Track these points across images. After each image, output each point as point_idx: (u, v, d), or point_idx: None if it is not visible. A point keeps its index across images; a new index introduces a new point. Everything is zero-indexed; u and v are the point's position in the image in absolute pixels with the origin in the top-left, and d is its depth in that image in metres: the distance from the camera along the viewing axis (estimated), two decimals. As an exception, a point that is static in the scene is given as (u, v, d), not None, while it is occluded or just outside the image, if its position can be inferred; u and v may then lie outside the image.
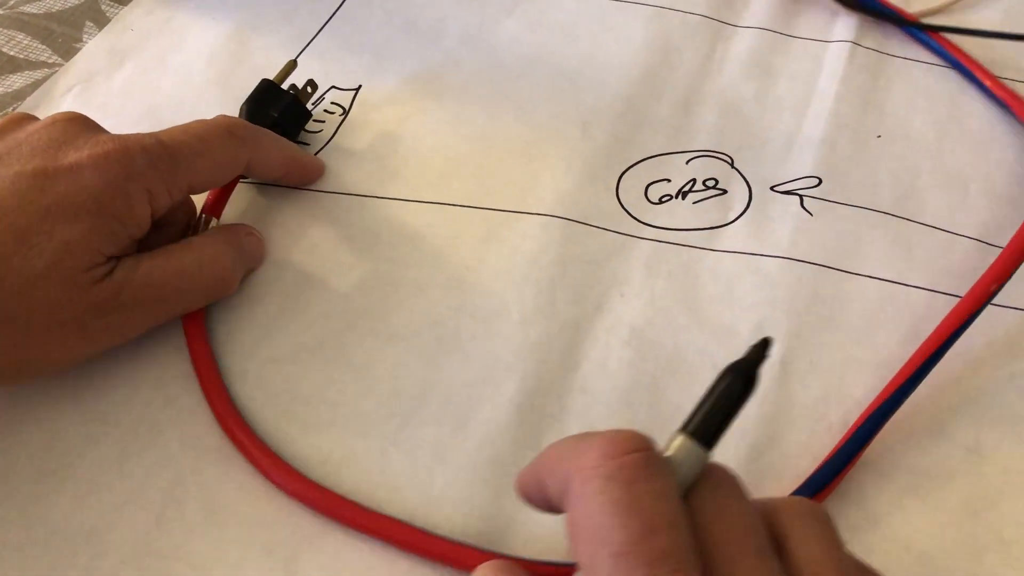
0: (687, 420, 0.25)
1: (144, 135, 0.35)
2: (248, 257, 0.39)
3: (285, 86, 0.45)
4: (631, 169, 0.44)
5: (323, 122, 0.47)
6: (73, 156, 0.33)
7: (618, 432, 0.23)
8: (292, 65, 0.46)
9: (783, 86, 0.48)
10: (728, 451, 0.35)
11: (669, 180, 0.44)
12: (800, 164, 0.44)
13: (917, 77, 0.49)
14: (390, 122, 0.46)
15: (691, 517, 0.22)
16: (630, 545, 0.20)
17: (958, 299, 0.39)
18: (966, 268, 0.40)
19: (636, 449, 0.22)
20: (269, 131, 0.41)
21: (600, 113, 0.47)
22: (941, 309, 0.39)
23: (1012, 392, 0.36)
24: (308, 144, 0.46)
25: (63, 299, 0.32)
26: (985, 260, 0.41)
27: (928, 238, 0.42)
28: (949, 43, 0.50)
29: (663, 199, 0.43)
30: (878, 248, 0.41)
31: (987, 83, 0.47)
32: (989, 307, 0.39)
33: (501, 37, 0.51)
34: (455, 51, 0.50)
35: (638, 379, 0.37)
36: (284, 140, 0.42)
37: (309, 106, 0.47)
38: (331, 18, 0.52)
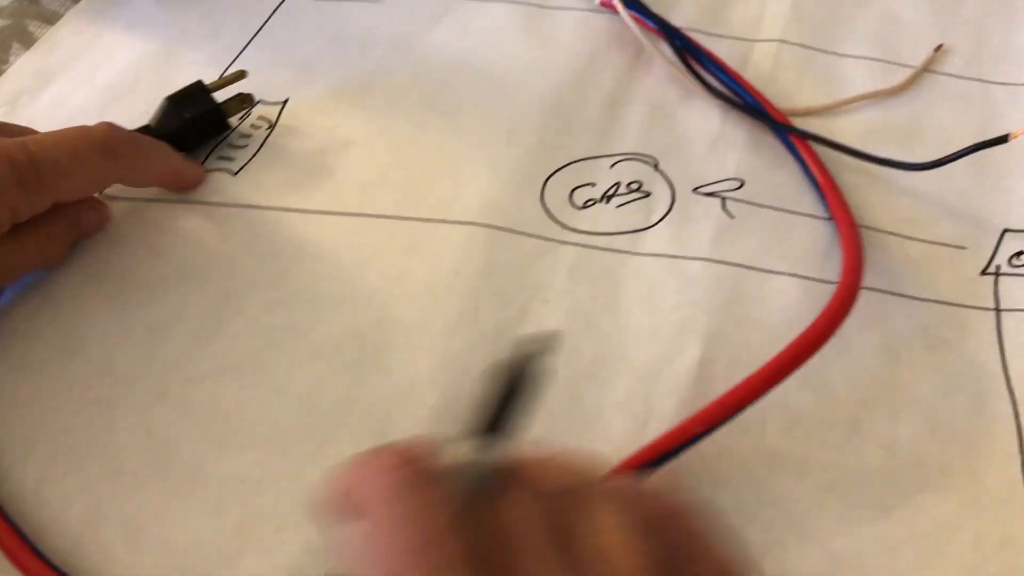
0: (467, 425, 0.25)
1: (14, 145, 0.35)
2: (85, 230, 0.40)
3: (226, 96, 0.45)
4: (556, 174, 0.45)
5: (249, 136, 0.47)
6: None
7: (390, 446, 0.23)
8: (239, 75, 0.46)
9: (707, 87, 0.48)
10: (645, 455, 0.35)
11: (594, 184, 0.44)
12: (723, 166, 0.44)
13: (845, 70, 0.49)
14: (316, 135, 0.46)
15: (479, 522, 0.22)
16: (405, 559, 0.20)
17: (880, 293, 0.40)
18: (883, 262, 0.41)
19: (406, 463, 0.22)
20: (149, 140, 0.41)
21: (526, 119, 0.47)
22: (862, 304, 0.39)
23: (927, 386, 0.37)
24: (232, 158, 0.45)
25: None
26: (905, 254, 0.41)
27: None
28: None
29: (588, 203, 0.44)
30: (797, 246, 0.41)
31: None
32: (906, 300, 0.39)
33: (429, 45, 0.51)
34: (384, 60, 0.50)
35: (559, 386, 0.37)
36: (164, 150, 0.42)
37: (236, 120, 0.47)
38: (259, 31, 0.52)
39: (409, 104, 0.48)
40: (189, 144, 0.45)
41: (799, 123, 0.47)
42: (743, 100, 0.47)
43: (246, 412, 0.36)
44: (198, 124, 0.44)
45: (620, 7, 0.50)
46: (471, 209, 0.43)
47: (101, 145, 0.38)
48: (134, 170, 0.40)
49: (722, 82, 0.48)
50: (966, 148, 0.40)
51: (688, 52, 0.49)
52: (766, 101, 0.46)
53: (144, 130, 0.43)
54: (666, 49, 0.49)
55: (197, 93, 0.44)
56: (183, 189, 0.43)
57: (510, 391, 0.25)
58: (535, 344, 0.25)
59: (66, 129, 0.38)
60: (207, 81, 0.46)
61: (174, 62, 0.50)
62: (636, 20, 0.50)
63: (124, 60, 0.50)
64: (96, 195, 0.42)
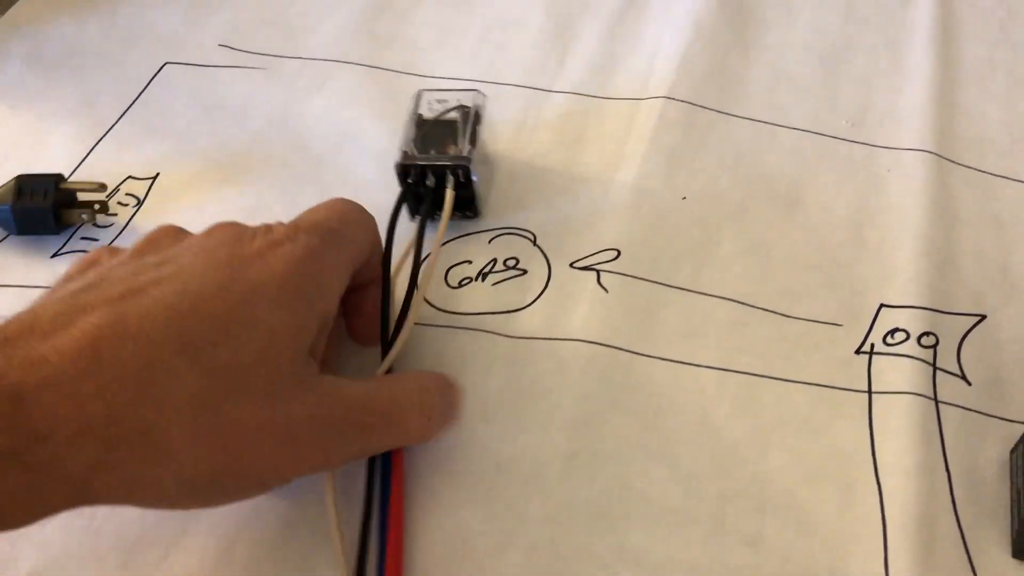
0: None
1: (295, 222, 0.35)
2: (449, 411, 0.36)
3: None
4: (431, 255, 0.43)
5: (115, 215, 0.45)
6: (255, 245, 0.32)
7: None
8: (101, 187, 0.44)
9: (592, 153, 0.48)
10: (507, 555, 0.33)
11: (471, 262, 0.43)
12: (601, 236, 0.43)
13: (730, 130, 0.48)
14: (185, 213, 0.45)
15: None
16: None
17: (752, 376, 0.39)
18: (759, 341, 0.40)
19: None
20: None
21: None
22: (733, 388, 0.38)
23: (796, 475, 0.36)
24: (96, 239, 0.44)
25: (273, 391, 0.30)
26: (781, 332, 0.40)
27: (722, 310, 0.41)
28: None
29: (463, 282, 0.42)
30: (670, 326, 0.40)
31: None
32: (779, 382, 0.38)
33: (308, 116, 0.50)
34: (260, 133, 0.49)
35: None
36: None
37: (104, 197, 0.45)
38: (135, 101, 0.50)
39: (283, 181, 0.46)
40: (25, 229, 0.43)
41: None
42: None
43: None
44: (33, 215, 0.43)
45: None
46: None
47: (355, 206, 0.38)
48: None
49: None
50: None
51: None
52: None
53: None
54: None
55: (48, 184, 0.43)
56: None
57: None
58: None
59: (321, 204, 0.37)
60: (74, 163, 0.44)
61: (44, 138, 0.49)
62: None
63: None
64: None
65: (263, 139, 0.48)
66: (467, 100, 0.44)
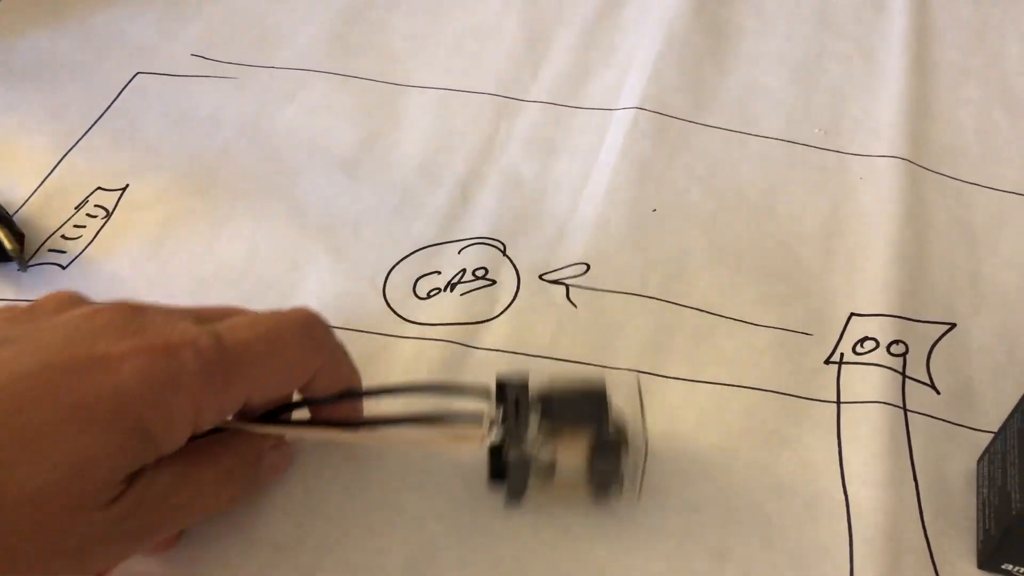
0: None
1: (200, 330, 0.29)
2: (265, 474, 0.34)
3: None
4: (401, 263, 0.43)
5: (84, 227, 0.45)
6: (111, 347, 0.27)
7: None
8: (20, 238, 0.43)
9: (564, 163, 0.47)
10: None
11: (440, 272, 0.43)
12: (571, 249, 0.43)
13: (703, 140, 0.48)
14: (153, 225, 0.45)
15: None
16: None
17: (720, 386, 0.39)
18: (728, 351, 0.40)
19: None
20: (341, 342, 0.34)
21: (375, 207, 0.45)
22: (701, 399, 0.38)
23: (762, 488, 0.36)
24: (63, 251, 0.43)
25: (65, 525, 0.26)
26: (750, 341, 0.40)
27: (691, 321, 0.41)
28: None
29: (431, 293, 0.42)
30: (638, 338, 0.40)
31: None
32: (747, 391, 0.38)
33: (279, 126, 0.49)
34: (230, 143, 0.49)
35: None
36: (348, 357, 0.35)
37: (72, 211, 0.45)
38: (104, 113, 0.50)
39: (252, 192, 0.46)
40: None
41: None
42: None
43: None
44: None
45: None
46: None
47: (302, 327, 0.32)
48: (332, 364, 0.33)
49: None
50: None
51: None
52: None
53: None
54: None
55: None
56: (354, 417, 0.35)
57: None
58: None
59: (258, 313, 0.32)
60: (43, 174, 0.44)
61: (12, 147, 0.48)
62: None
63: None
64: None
65: (234, 150, 0.48)
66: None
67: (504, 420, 0.33)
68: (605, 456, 0.33)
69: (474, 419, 0.32)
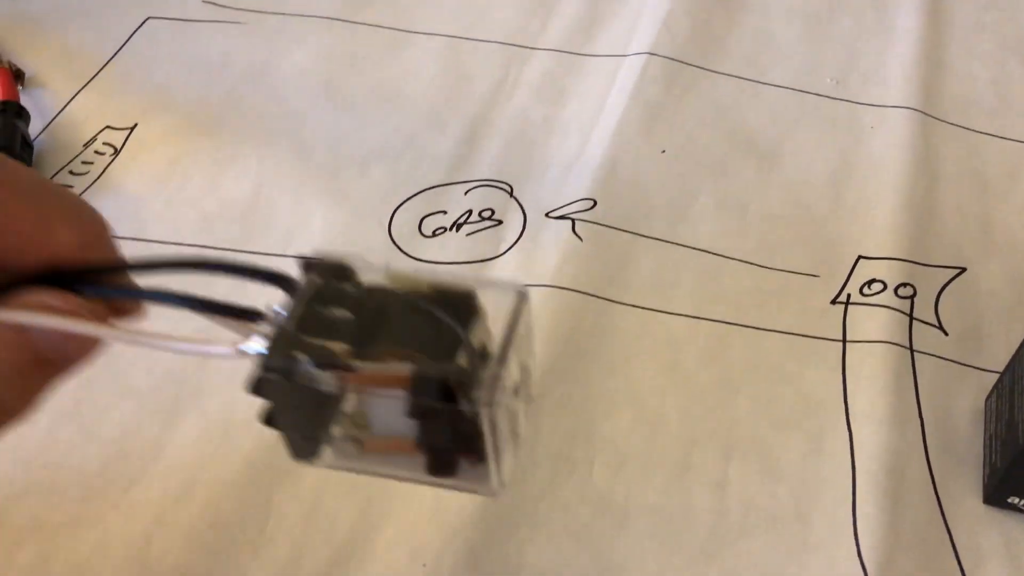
0: None
1: None
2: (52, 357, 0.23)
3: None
4: (406, 203, 0.43)
5: (91, 163, 0.45)
6: None
7: None
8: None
9: (573, 107, 0.47)
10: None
11: (445, 212, 0.43)
12: (577, 187, 0.43)
13: (713, 86, 0.48)
14: (160, 163, 0.45)
15: None
16: None
17: (724, 324, 0.38)
18: (733, 291, 0.39)
19: None
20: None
21: (381, 149, 0.45)
22: (704, 336, 0.38)
23: (764, 421, 0.35)
24: (71, 186, 0.44)
25: None
26: (755, 283, 0.40)
27: (697, 261, 0.40)
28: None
29: (437, 232, 0.42)
30: (643, 275, 0.40)
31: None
32: (751, 331, 0.38)
33: (287, 70, 0.49)
34: (238, 86, 0.48)
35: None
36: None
37: (80, 147, 0.45)
38: (115, 56, 0.50)
39: (259, 133, 0.46)
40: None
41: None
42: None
43: (49, 456, 0.34)
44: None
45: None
46: (312, 243, 0.41)
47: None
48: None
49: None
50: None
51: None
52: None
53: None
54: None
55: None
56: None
57: None
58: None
59: None
60: (54, 112, 0.44)
61: (25, 85, 0.48)
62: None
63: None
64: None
65: (241, 93, 0.48)
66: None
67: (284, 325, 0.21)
68: (429, 406, 0.20)
69: (250, 316, 0.22)
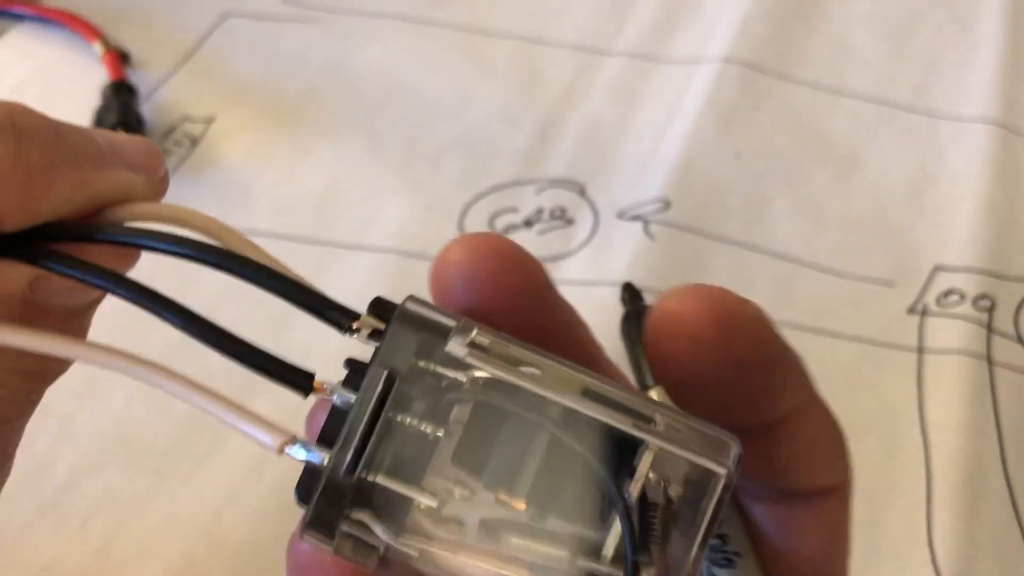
0: None
1: None
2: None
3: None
4: (479, 200, 0.43)
5: (171, 154, 0.46)
6: None
7: None
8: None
9: (646, 110, 0.47)
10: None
11: (517, 210, 0.43)
12: (650, 188, 0.43)
13: (789, 94, 0.48)
14: (237, 155, 0.46)
15: None
16: None
17: (798, 330, 0.38)
18: (807, 297, 0.39)
19: None
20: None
21: (454, 145, 0.46)
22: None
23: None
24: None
25: None
26: (830, 289, 0.39)
27: (771, 265, 0.40)
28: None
29: (508, 230, 0.42)
30: (715, 278, 0.39)
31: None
32: (827, 338, 0.37)
33: (362, 67, 0.50)
34: (314, 83, 0.49)
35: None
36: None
37: (161, 138, 0.46)
38: (195, 52, 0.51)
39: (334, 128, 0.47)
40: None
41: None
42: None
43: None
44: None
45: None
46: (385, 235, 0.42)
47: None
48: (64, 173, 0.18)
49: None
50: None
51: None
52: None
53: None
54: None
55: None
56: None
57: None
58: None
59: None
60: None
61: (91, 87, 0.49)
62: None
63: (42, 82, 0.50)
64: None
65: (317, 89, 0.49)
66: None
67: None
68: None
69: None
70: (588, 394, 0.14)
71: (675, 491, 0.14)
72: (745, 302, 0.16)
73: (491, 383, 0.14)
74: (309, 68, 0.50)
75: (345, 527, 0.15)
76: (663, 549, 0.14)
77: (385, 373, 0.14)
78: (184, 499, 0.33)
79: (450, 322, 0.15)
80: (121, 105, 0.46)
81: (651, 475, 0.14)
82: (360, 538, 0.15)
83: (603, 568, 0.14)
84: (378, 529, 0.15)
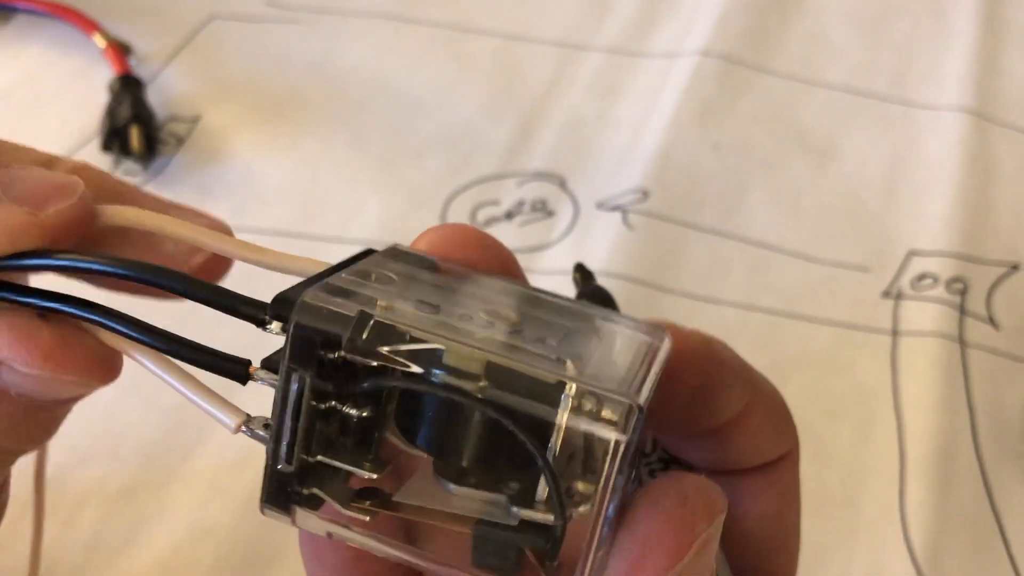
0: None
1: None
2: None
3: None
4: (461, 194, 0.44)
5: (157, 153, 0.46)
6: None
7: None
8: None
9: (626, 104, 0.48)
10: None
11: (498, 203, 0.44)
12: (629, 179, 0.44)
13: (766, 86, 0.48)
14: (222, 152, 0.46)
15: None
16: None
17: (774, 315, 0.38)
18: (784, 283, 0.40)
19: None
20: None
21: (436, 140, 0.46)
22: (755, 326, 0.38)
23: (814, 409, 0.35)
24: (136, 174, 0.45)
25: None
26: (806, 275, 0.40)
27: (748, 253, 0.41)
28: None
29: (490, 222, 0.43)
30: (693, 265, 0.40)
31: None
32: (801, 322, 0.38)
33: (345, 66, 0.51)
34: (298, 82, 0.50)
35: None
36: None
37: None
38: (179, 52, 0.52)
39: (318, 126, 0.47)
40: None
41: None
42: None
43: (110, 426, 0.36)
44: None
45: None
46: (367, 228, 0.42)
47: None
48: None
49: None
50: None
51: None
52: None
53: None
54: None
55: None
56: None
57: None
58: None
59: None
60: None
61: (91, 79, 0.50)
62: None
63: (43, 76, 0.50)
64: None
65: (301, 88, 0.49)
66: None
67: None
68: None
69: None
70: (491, 373, 0.14)
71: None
72: (688, 335, 0.17)
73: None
74: (294, 68, 0.51)
75: (301, 502, 0.16)
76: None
77: (296, 374, 0.15)
78: (172, 490, 0.34)
79: (349, 312, 0.15)
80: (133, 99, 0.46)
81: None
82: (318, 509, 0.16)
83: (538, 514, 0.14)
84: (329, 500, 0.15)
